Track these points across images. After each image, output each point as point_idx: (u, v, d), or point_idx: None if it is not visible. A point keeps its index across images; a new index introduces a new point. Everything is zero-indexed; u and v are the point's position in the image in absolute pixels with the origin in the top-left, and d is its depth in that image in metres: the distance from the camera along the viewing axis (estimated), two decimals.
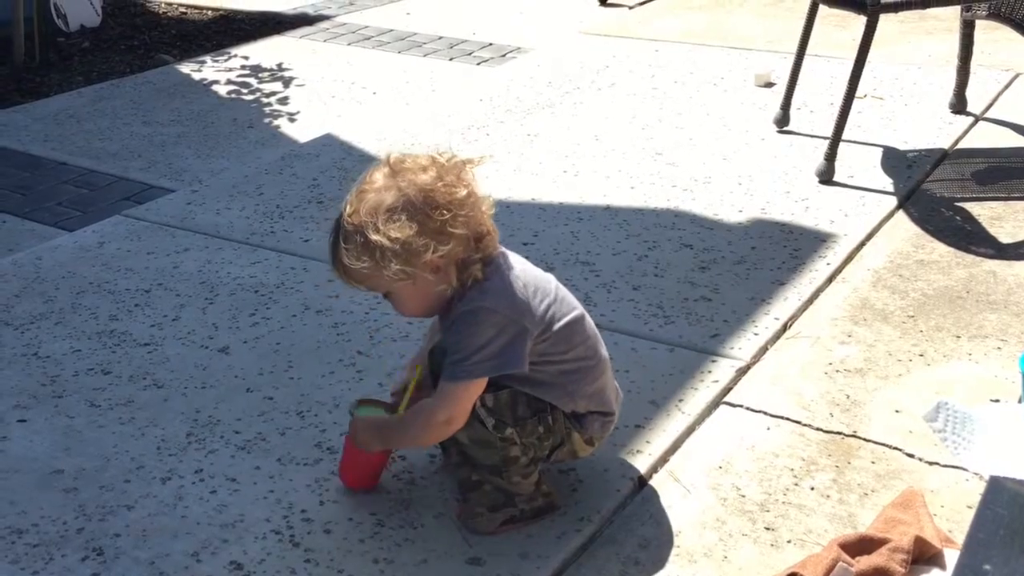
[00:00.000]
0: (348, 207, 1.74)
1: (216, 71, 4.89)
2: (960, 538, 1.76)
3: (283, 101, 4.46)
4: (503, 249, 1.84)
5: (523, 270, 1.83)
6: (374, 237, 1.68)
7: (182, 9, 6.08)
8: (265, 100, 4.48)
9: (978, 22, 3.61)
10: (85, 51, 5.23)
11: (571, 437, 1.87)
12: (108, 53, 5.22)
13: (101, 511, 1.98)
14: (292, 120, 4.23)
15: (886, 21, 3.22)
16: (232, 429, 2.22)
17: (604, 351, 1.91)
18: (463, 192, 1.72)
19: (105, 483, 2.06)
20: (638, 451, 2.08)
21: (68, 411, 2.29)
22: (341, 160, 3.69)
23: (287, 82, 4.70)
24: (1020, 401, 1.44)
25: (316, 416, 2.25)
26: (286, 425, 2.22)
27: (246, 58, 5.08)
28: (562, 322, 1.82)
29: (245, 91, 4.60)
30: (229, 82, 4.72)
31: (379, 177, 1.74)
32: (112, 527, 1.94)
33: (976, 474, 1.92)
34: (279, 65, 4.95)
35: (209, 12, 6.00)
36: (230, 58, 5.10)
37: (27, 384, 2.40)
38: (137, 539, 1.91)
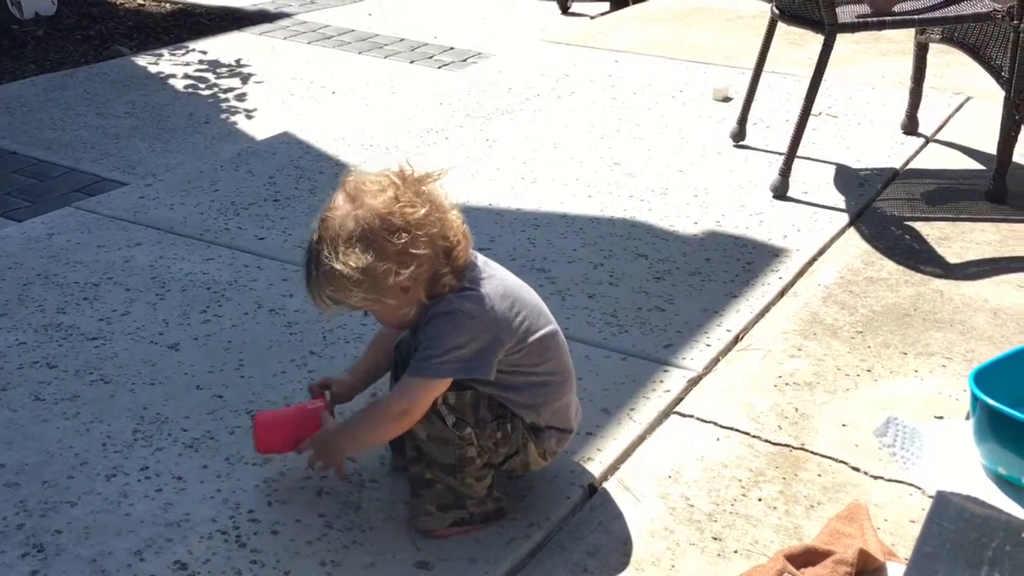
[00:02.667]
0: (314, 234, 1.75)
1: (173, 65, 4.83)
2: (903, 552, 1.79)
3: (241, 97, 4.42)
4: (481, 257, 1.84)
5: (503, 279, 1.84)
6: (336, 266, 1.69)
7: (140, 1, 6.01)
8: (222, 96, 4.43)
9: (931, 45, 3.69)
10: (39, 39, 5.14)
11: (527, 448, 1.87)
12: (62, 42, 5.14)
13: (43, 507, 1.94)
14: (249, 117, 4.20)
15: (842, 41, 3.27)
16: (180, 427, 2.19)
17: (572, 368, 1.92)
18: (422, 211, 1.72)
19: (48, 479, 2.02)
20: (589, 458, 2.09)
21: (11, 404, 2.25)
22: (298, 159, 3.66)
23: (245, 78, 4.66)
24: (967, 418, 1.46)
25: None
26: (235, 424, 2.20)
27: (204, 53, 5.03)
28: (536, 335, 1.82)
29: (202, 86, 4.55)
30: (186, 76, 4.67)
31: (340, 202, 1.75)
32: (54, 523, 1.90)
33: (919, 489, 1.96)
34: (238, 61, 4.90)
35: (167, 5, 5.93)
36: (188, 52, 5.04)
37: None
38: (79, 536, 1.87)
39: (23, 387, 2.31)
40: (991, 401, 1.28)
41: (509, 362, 1.80)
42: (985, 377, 1.30)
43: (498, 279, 1.83)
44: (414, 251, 1.70)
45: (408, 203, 1.71)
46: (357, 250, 1.69)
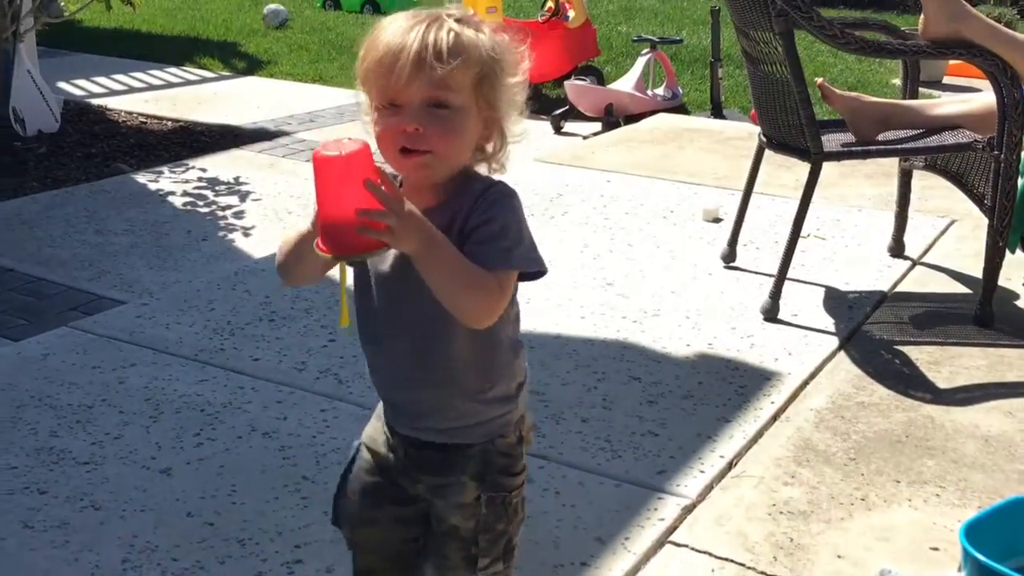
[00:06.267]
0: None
1: (173, 182, 4.91)
2: None
3: (239, 215, 4.48)
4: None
5: None
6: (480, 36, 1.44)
7: (142, 118, 6.13)
8: (220, 213, 4.50)
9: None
10: (41, 156, 5.23)
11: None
12: (64, 159, 5.23)
13: None
14: (247, 235, 4.25)
15: (828, 164, 3.34)
16: (170, 556, 2.16)
17: None
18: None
19: None
20: None
21: (0, 532, 2.23)
22: None
23: (243, 196, 4.74)
24: (959, 570, 1.45)
25: (258, 544, 2.20)
26: (226, 553, 2.18)
27: (204, 170, 5.12)
28: None
29: (201, 203, 4.62)
30: (185, 194, 4.75)
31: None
32: None
33: None
34: (236, 179, 4.99)
35: (169, 123, 6.06)
36: (188, 169, 5.13)
37: None
38: None
39: (12, 513, 2.29)
40: (982, 557, 1.28)
41: None
42: (976, 530, 1.31)
43: None
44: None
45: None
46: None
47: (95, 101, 6.52)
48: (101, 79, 7.14)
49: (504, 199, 1.45)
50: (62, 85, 6.75)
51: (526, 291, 3.82)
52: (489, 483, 1.54)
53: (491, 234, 1.42)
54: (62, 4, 7.52)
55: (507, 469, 1.56)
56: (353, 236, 1.31)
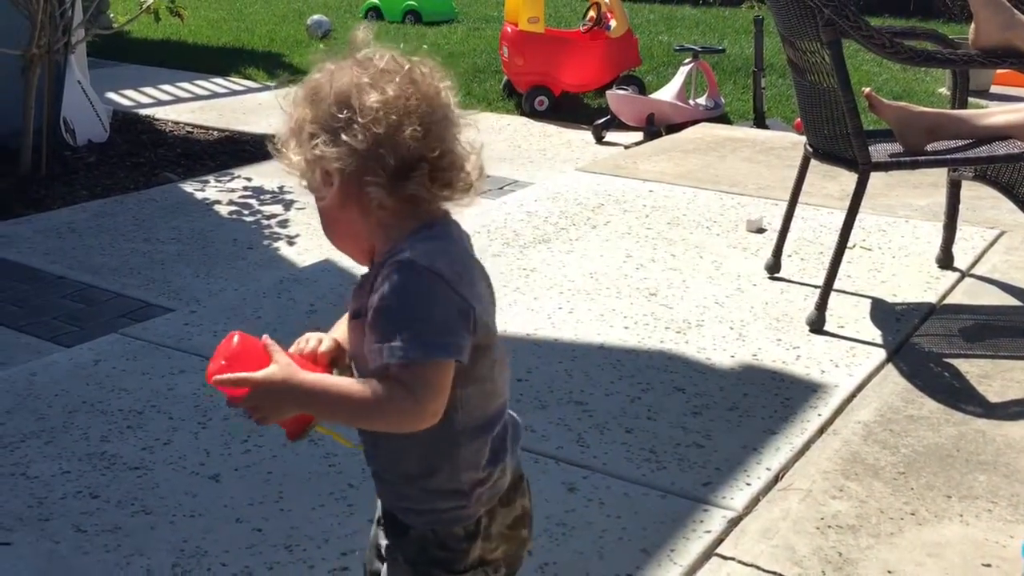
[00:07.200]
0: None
1: (219, 191, 4.98)
2: None
3: (283, 224, 4.53)
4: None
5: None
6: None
7: (188, 128, 6.22)
8: (265, 222, 4.55)
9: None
10: (91, 166, 5.32)
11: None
12: (113, 169, 5.32)
13: None
14: (291, 243, 4.30)
15: (875, 174, 3.31)
16: (219, 561, 2.19)
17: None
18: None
19: None
20: None
21: (54, 535, 2.26)
22: (339, 286, 3.73)
23: (288, 205, 4.79)
24: None
25: (305, 551, 2.22)
26: (274, 559, 2.20)
27: (249, 179, 5.18)
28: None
29: (246, 212, 4.68)
30: (231, 202, 4.81)
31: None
32: None
33: None
34: (280, 188, 5.04)
35: (215, 132, 6.14)
36: (233, 179, 5.20)
37: (13, 505, 2.37)
38: None
39: (66, 517, 2.33)
40: None
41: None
42: None
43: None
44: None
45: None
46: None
47: (143, 111, 6.63)
48: (149, 89, 7.26)
49: (393, 278, 1.27)
50: (111, 95, 6.87)
51: (570, 301, 3.81)
52: (421, 574, 1.40)
53: (376, 325, 1.28)
54: (111, 16, 7.66)
55: (445, 564, 1.39)
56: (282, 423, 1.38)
